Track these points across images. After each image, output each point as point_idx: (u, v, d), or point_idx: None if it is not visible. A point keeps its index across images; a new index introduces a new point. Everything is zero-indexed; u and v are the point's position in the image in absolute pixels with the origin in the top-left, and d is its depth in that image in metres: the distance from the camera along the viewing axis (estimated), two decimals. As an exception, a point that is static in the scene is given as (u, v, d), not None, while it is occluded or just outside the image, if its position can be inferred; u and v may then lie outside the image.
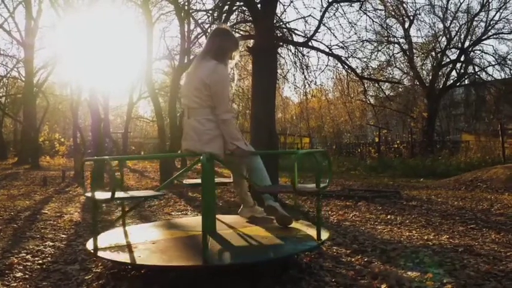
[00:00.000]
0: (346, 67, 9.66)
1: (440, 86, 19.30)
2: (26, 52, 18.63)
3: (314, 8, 41.79)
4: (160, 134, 10.70)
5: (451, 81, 19.74)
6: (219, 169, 10.39)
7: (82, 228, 4.30)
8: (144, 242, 2.80)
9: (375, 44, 13.45)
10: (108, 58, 13.42)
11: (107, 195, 2.66)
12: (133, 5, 12.78)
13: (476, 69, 18.96)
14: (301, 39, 9.21)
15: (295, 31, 9.67)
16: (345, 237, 3.70)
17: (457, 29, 18.76)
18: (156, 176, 11.66)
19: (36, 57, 20.22)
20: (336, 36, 30.52)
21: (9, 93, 25.53)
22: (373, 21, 10.95)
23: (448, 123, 28.52)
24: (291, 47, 10.03)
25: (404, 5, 13.19)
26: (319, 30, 13.13)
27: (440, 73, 19.13)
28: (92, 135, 11.47)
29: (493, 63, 18.53)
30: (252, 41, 8.12)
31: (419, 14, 19.49)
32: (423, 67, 19.42)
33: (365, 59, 11.91)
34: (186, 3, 11.73)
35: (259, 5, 6.82)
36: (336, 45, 11.39)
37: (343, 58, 9.32)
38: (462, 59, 19.02)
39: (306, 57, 12.71)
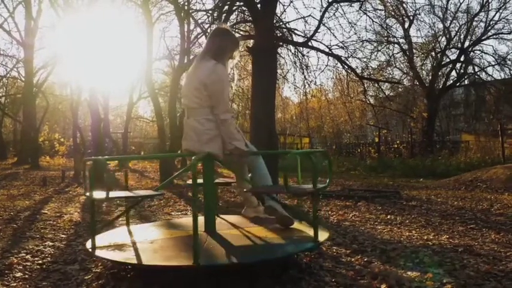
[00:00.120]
0: (346, 67, 9.69)
1: (440, 86, 19.30)
2: (26, 52, 18.61)
3: (314, 8, 41.60)
4: (160, 134, 10.71)
5: (451, 81, 19.78)
6: (219, 169, 10.38)
7: (82, 228, 4.30)
8: (144, 241, 2.80)
9: (375, 44, 13.50)
10: (108, 58, 13.43)
11: (104, 194, 2.68)
12: (133, 5, 12.82)
13: (476, 69, 19.01)
14: (301, 39, 9.23)
15: (295, 31, 9.69)
16: (344, 237, 3.69)
17: (456, 29, 18.82)
18: (156, 176, 11.64)
19: (36, 57, 20.27)
20: (335, 36, 30.60)
21: (9, 93, 25.50)
22: (373, 21, 11.01)
23: (448, 123, 28.54)
24: (291, 47, 10.04)
25: (404, 5, 13.24)
26: (319, 30, 13.13)
27: (440, 73, 19.13)
28: (92, 135, 11.46)
29: (493, 63, 18.60)
30: (252, 41, 8.13)
31: (419, 14, 19.58)
32: (423, 67, 19.45)
33: (365, 59, 11.96)
34: (186, 3, 11.75)
35: (259, 5, 6.83)
36: (336, 45, 11.43)
37: (343, 58, 9.35)
38: (462, 59, 19.04)
39: (305, 57, 12.71)
